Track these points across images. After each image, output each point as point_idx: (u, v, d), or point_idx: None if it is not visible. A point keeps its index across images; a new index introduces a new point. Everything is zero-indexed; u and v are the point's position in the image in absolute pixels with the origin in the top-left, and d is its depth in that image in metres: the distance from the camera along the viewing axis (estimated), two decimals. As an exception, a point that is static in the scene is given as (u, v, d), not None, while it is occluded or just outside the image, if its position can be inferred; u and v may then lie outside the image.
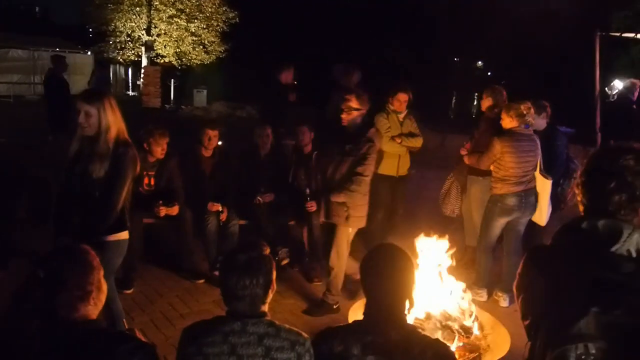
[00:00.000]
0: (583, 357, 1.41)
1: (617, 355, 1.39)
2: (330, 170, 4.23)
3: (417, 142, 5.33)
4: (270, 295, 2.03)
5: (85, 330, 1.73)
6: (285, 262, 5.18)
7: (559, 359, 1.44)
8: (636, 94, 7.17)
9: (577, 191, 1.66)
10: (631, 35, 8.98)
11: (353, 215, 4.16)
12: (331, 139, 4.40)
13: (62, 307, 1.72)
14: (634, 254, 1.48)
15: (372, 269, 2.08)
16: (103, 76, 10.20)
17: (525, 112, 4.34)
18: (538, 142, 4.48)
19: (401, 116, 5.31)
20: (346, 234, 4.23)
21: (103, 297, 1.86)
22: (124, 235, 3.18)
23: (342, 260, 4.27)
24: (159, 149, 4.73)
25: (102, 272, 1.86)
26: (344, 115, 4.18)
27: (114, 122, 3.03)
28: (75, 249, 1.85)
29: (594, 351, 1.40)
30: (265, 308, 2.01)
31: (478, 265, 4.72)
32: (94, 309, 1.81)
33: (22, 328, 1.69)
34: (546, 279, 1.57)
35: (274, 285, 2.04)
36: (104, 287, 1.87)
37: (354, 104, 4.16)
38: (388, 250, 2.14)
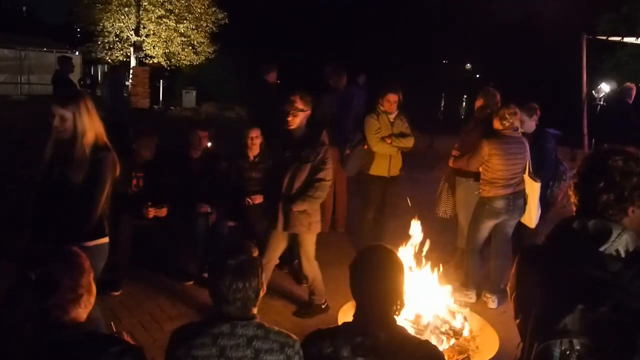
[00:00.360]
0: (567, 352, 1.44)
1: (600, 351, 1.42)
2: (288, 178, 3.98)
3: (408, 142, 5.33)
4: (260, 297, 2.02)
5: (74, 333, 1.71)
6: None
7: (543, 353, 1.46)
8: (632, 97, 7.24)
9: (570, 192, 1.69)
10: (618, 38, 9.09)
11: (314, 221, 4.09)
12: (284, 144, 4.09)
13: (53, 309, 1.69)
14: (622, 254, 1.50)
15: (362, 270, 2.07)
16: (116, 80, 9.48)
17: (507, 116, 4.36)
18: (527, 144, 4.50)
19: (392, 117, 5.31)
20: (311, 241, 4.18)
21: (92, 300, 1.84)
22: (104, 240, 3.13)
23: (314, 264, 4.26)
24: (148, 150, 4.72)
25: (92, 275, 1.84)
26: (290, 118, 3.92)
27: (90, 126, 2.96)
28: (67, 251, 1.82)
29: (578, 347, 1.43)
30: (255, 310, 2.01)
31: (466, 267, 4.73)
32: (83, 312, 1.79)
33: (13, 330, 1.66)
34: (537, 277, 1.59)
35: (264, 287, 2.04)
36: (94, 289, 1.85)
37: (299, 104, 3.90)
38: (378, 251, 2.13)
